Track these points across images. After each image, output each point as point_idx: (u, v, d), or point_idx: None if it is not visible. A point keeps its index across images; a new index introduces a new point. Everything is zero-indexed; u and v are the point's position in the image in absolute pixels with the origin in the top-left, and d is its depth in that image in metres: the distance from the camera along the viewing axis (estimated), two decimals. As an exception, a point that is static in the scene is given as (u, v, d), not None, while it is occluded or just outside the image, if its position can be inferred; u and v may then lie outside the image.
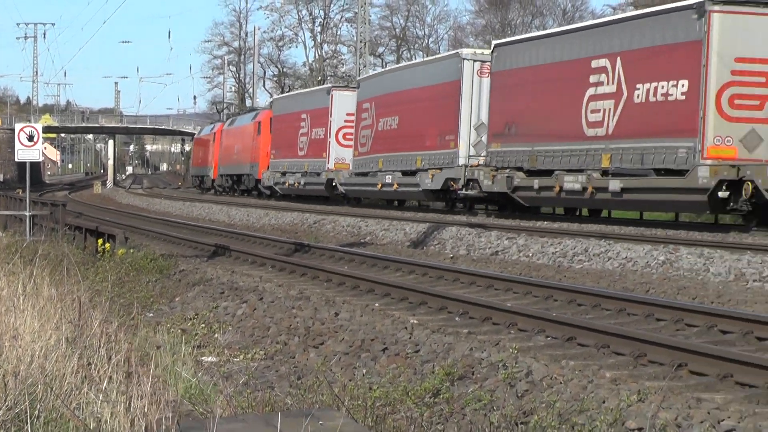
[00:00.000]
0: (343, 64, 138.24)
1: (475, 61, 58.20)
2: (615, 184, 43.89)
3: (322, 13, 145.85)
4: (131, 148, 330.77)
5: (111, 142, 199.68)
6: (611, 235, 35.52)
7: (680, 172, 40.69)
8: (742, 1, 40.67)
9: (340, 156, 75.80)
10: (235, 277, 26.74)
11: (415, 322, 18.79)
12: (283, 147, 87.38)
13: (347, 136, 75.37)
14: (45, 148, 75.60)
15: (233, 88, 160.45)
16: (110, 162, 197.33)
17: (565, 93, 49.09)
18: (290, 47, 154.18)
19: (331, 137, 76.98)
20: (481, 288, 24.40)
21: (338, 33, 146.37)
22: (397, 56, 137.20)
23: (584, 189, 45.86)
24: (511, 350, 15.32)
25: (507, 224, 42.93)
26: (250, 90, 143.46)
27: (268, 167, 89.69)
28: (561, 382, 13.07)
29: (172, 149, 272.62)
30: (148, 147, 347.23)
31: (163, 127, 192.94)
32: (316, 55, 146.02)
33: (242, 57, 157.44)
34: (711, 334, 17.35)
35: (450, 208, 61.36)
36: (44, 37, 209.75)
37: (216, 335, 19.24)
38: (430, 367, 14.68)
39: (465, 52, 60.95)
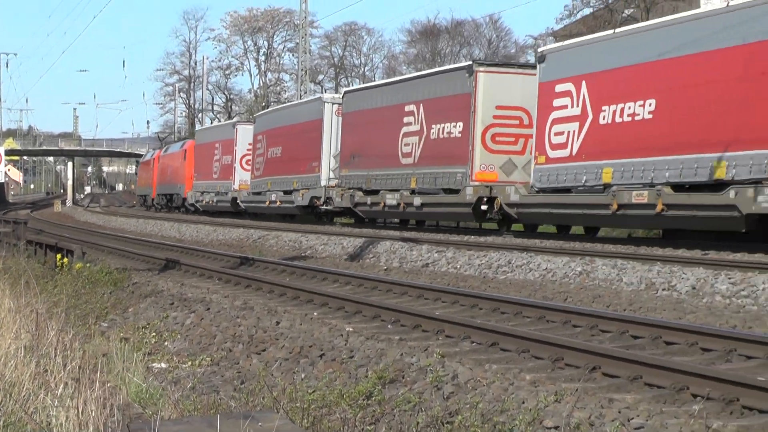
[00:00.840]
0: (285, 91, 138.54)
1: (333, 103, 68.06)
2: (417, 200, 54.45)
3: (266, 43, 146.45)
4: (89, 169, 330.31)
5: (70, 164, 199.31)
6: (533, 248, 35.62)
7: (457, 191, 50.45)
8: (500, 64, 56.60)
9: (243, 178, 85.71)
10: (184, 288, 26.67)
11: (351, 329, 18.79)
12: (202, 171, 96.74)
13: (248, 162, 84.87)
14: (8, 170, 77.44)
15: (184, 113, 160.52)
16: (69, 182, 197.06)
17: (387, 130, 58.57)
18: (236, 75, 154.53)
19: (236, 163, 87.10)
20: (412, 297, 24.43)
21: (281, 62, 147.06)
22: (336, 83, 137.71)
23: (398, 204, 56.04)
24: (438, 355, 15.39)
25: (437, 238, 43.02)
26: (200, 115, 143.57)
27: (192, 188, 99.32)
28: (484, 385, 13.09)
29: (127, 170, 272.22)
30: (105, 168, 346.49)
31: (118, 150, 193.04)
32: (261, 82, 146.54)
33: (192, 84, 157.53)
34: (623, 339, 17.42)
35: (318, 220, 70.69)
36: (7, 67, 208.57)
37: (166, 343, 19.18)
38: (363, 372, 14.67)
39: (326, 96, 72.46)
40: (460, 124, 50.39)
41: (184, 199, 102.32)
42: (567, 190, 44.30)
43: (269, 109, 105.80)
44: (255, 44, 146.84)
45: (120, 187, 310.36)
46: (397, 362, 14.97)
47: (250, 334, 18.85)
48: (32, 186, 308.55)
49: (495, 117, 49.20)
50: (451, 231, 49.50)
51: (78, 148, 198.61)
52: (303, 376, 15.07)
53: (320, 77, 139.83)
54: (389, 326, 19.70)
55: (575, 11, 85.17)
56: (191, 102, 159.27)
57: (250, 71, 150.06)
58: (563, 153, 44.15)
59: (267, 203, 76.78)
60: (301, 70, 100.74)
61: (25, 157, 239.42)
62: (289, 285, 26.73)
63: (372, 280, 28.05)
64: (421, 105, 55.04)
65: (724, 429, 10.87)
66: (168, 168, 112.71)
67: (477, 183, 48.49)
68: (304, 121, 71.12)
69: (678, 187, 37.75)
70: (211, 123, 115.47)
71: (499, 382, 13.33)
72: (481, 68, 49.90)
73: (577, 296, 25.28)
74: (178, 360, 17.34)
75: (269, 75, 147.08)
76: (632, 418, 11.10)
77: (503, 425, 10.97)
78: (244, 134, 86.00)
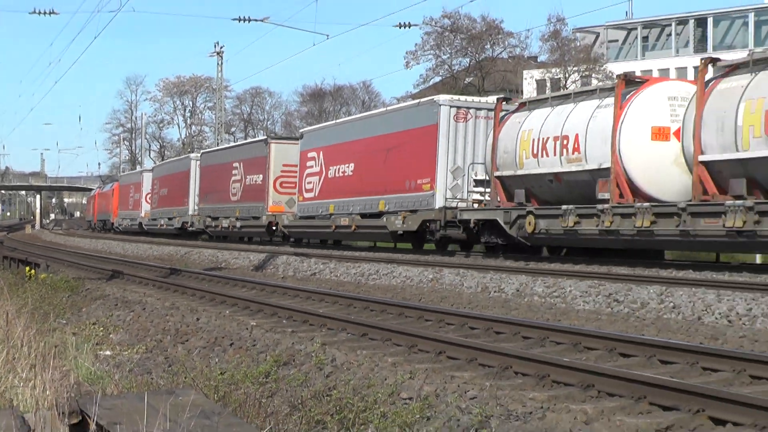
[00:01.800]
0: (206, 140, 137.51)
1: (196, 160, 77.25)
2: (238, 223, 63.55)
3: (190, 102, 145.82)
4: (53, 200, 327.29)
5: (38, 196, 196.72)
6: (396, 261, 35.60)
7: (259, 218, 59.86)
8: (284, 138, 67.09)
9: (146, 209, 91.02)
10: (126, 293, 26.43)
11: (254, 324, 18.73)
12: (123, 204, 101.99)
13: (149, 199, 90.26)
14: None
15: (127, 157, 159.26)
16: (37, 211, 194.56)
17: (223, 179, 67.02)
18: (168, 127, 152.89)
19: (142, 199, 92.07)
20: (302, 299, 24.38)
21: (202, 117, 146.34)
22: (245, 134, 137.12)
23: (229, 226, 65.15)
24: (320, 344, 15.38)
25: (323, 253, 42.92)
26: (140, 158, 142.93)
27: (117, 215, 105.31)
28: (356, 366, 13.08)
29: (83, 201, 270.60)
30: (66, 199, 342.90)
31: (75, 185, 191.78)
32: (187, 133, 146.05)
33: (133, 134, 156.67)
34: (464, 330, 17.47)
35: (188, 236, 75.01)
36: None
37: (111, 335, 19.03)
38: (263, 356, 14.62)
39: (192, 155, 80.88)
40: (261, 175, 59.85)
41: (113, 223, 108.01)
42: (313, 218, 53.45)
43: (161, 162, 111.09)
44: (182, 103, 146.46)
45: (78, 214, 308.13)
46: (289, 349, 14.93)
47: (176, 328, 18.76)
48: (8, 213, 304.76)
49: (282, 171, 58.80)
50: (334, 248, 49.19)
51: (44, 184, 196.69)
52: (216, 360, 15.00)
53: (233, 129, 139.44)
54: (284, 321, 19.64)
55: (428, 79, 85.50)
56: (133, 148, 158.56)
57: (178, 124, 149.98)
58: (311, 195, 53.82)
59: (159, 226, 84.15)
60: (218, 124, 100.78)
61: (2, 191, 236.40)
62: (207, 290, 26.65)
63: (272, 286, 28.03)
64: (242, 163, 64.32)
65: (538, 398, 10.94)
66: (103, 201, 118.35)
67: (269, 213, 58.69)
68: (180, 171, 79.39)
69: (363, 216, 47.09)
70: (153, 164, 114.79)
71: (367, 364, 13.32)
72: (273, 141, 61.16)
73: (428, 297, 25.35)
74: (120, 348, 17.20)
75: (193, 127, 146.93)
76: (468, 391, 11.13)
77: (369, 396, 10.97)
78: (147, 179, 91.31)
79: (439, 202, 39.67)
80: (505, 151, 36.35)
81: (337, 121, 64.73)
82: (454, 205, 39.44)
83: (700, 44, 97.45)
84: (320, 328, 18.19)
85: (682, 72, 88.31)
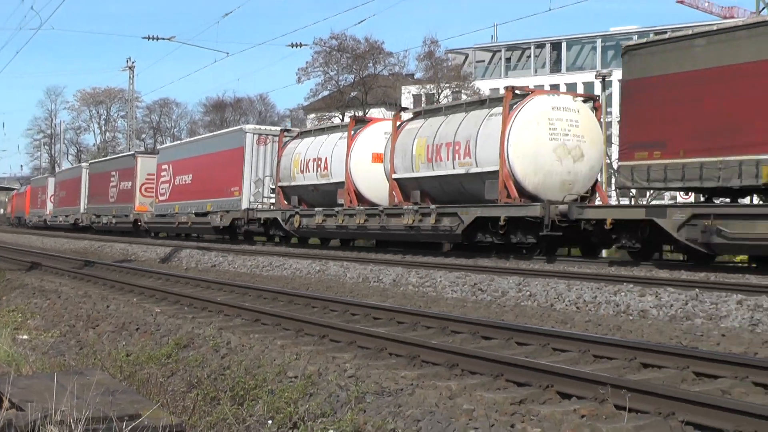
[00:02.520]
0: (119, 145, 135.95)
1: (86, 168, 79.57)
2: (113, 220, 68.40)
3: (105, 111, 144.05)
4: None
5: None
6: (288, 254, 35.57)
7: (128, 215, 65.02)
8: (147, 152, 72.36)
9: (50, 209, 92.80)
10: (43, 283, 25.99)
11: (159, 311, 18.57)
12: (35, 204, 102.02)
13: (52, 199, 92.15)
14: None
15: (47, 160, 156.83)
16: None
17: (104, 185, 70.77)
18: (84, 134, 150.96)
19: (48, 199, 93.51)
20: (202, 288, 24.21)
21: (116, 125, 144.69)
22: (154, 141, 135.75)
23: (106, 223, 69.90)
24: (217, 328, 15.30)
25: (222, 247, 42.65)
26: (59, 162, 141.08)
27: (29, 213, 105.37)
28: (248, 348, 13.00)
29: (6, 200, 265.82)
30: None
31: (1, 185, 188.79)
32: (102, 139, 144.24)
33: (53, 140, 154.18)
34: (345, 316, 17.47)
35: (78, 230, 76.99)
36: None
37: (28, 321, 18.68)
38: (166, 340, 14.48)
39: (83, 164, 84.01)
40: (131, 182, 64.72)
41: (26, 220, 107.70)
42: (164, 216, 58.71)
43: (62, 169, 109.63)
44: (98, 112, 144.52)
45: (1, 211, 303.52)
46: (189, 333, 14.81)
47: (88, 314, 18.51)
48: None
49: (146, 179, 63.31)
50: (233, 243, 48.86)
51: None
52: (123, 343, 14.82)
53: (143, 136, 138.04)
54: (186, 308, 19.50)
55: (317, 93, 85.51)
56: (53, 152, 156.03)
57: (94, 131, 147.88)
58: (164, 198, 59.17)
59: (58, 222, 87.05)
60: (130, 131, 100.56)
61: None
62: (117, 280, 26.37)
63: (175, 276, 27.82)
64: (117, 172, 68.45)
65: (409, 376, 10.97)
66: (19, 201, 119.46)
67: (136, 212, 63.69)
68: (75, 178, 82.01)
69: (197, 214, 52.69)
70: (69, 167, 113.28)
71: (258, 346, 13.26)
72: (139, 155, 66.72)
73: (315, 286, 25.33)
74: (36, 333, 16.91)
75: (107, 134, 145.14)
76: (347, 370, 11.13)
77: (260, 375, 10.93)
78: (51, 183, 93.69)
79: (244, 205, 47.50)
80: (284, 168, 44.78)
81: (182, 141, 77.18)
82: (255, 207, 47.19)
83: (555, 65, 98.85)
84: (218, 315, 18.11)
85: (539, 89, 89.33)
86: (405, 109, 42.69)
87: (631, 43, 29.57)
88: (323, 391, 10.07)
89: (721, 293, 18.57)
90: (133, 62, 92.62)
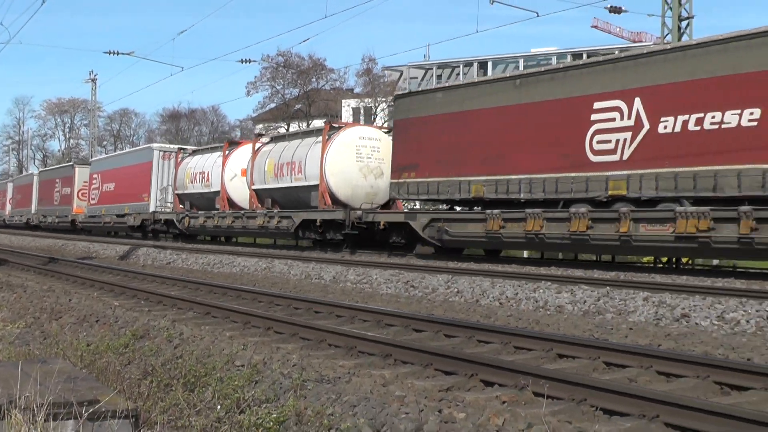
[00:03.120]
0: (82, 151, 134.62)
1: (36, 174, 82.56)
2: (56, 220, 70.36)
3: (69, 120, 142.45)
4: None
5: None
6: (238, 253, 35.49)
7: (66, 216, 66.88)
8: (84, 163, 67.89)
9: (8, 209, 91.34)
10: (10, 278, 25.68)
11: (117, 304, 18.42)
12: None
13: (11, 202, 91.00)
14: None
15: (15, 164, 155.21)
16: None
17: (50, 189, 72.51)
18: (50, 140, 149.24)
19: (7, 202, 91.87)
20: (158, 283, 24.05)
21: (79, 132, 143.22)
22: (114, 147, 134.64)
23: (51, 222, 71.58)
24: (171, 320, 15.22)
25: (176, 246, 42.47)
26: (26, 166, 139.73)
27: None
28: (200, 339, 12.93)
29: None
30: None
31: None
32: (66, 145, 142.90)
33: (20, 146, 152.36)
34: (289, 309, 17.49)
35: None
36: None
37: (-4, 313, 18.51)
38: (123, 331, 14.35)
39: (76, 161, 79.42)
40: (70, 188, 67.64)
41: None
42: (95, 217, 61.62)
43: (19, 175, 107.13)
44: (62, 121, 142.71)
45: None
46: (145, 325, 14.71)
47: (52, 307, 18.30)
48: None
49: (82, 185, 66.31)
50: (185, 242, 48.55)
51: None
52: (84, 334, 14.64)
53: (105, 143, 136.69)
54: (142, 302, 19.37)
55: (265, 105, 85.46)
56: (20, 157, 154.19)
57: (59, 138, 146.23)
58: (95, 202, 62.15)
59: (15, 221, 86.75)
60: (92, 138, 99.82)
61: None
62: (79, 275, 26.16)
63: (133, 272, 27.60)
64: (60, 180, 70.98)
65: (346, 365, 10.98)
66: None
67: (74, 213, 66.51)
68: (27, 183, 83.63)
69: (117, 216, 56.43)
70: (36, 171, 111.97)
71: (209, 337, 13.20)
72: (77, 165, 69.13)
73: (262, 283, 25.31)
74: (3, 324, 16.65)
75: (71, 141, 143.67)
76: (290, 360, 11.10)
77: (209, 364, 10.87)
78: (10, 187, 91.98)
79: (151, 208, 52.62)
80: (180, 179, 50.86)
81: (108, 155, 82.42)
82: (160, 210, 52.09)
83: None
84: (171, 308, 18.00)
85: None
86: (260, 135, 49.26)
87: (398, 93, 38.18)
88: (268, 379, 10.03)
89: (629, 291, 18.78)
90: (95, 75, 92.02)
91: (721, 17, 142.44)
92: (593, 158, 25.38)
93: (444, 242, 30.73)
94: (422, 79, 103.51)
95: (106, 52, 71.06)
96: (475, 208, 30.43)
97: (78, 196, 67.32)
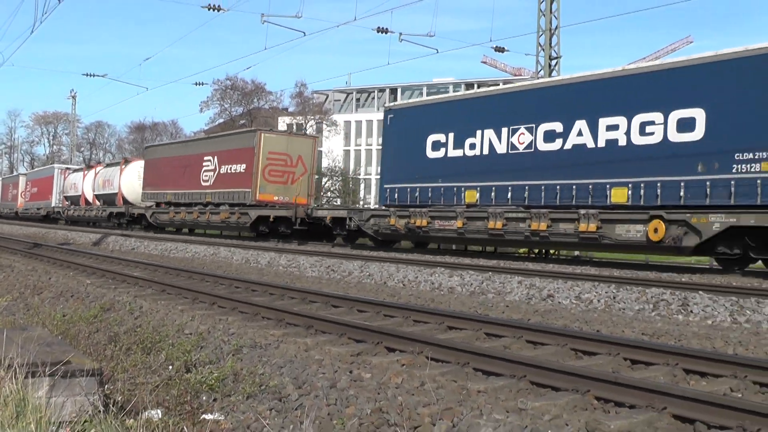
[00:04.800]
0: (63, 155, 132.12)
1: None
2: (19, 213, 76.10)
3: (53, 129, 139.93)
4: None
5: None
6: (189, 241, 35.06)
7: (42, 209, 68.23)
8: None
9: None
10: (0, 260, 25.26)
11: (89, 282, 18.13)
12: None
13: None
14: None
15: (8, 166, 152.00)
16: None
17: (12, 188, 76.98)
18: (37, 146, 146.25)
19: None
20: (123, 265, 23.60)
21: (61, 140, 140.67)
22: (90, 154, 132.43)
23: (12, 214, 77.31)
24: (133, 296, 15.04)
25: (140, 234, 41.79)
26: (16, 167, 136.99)
27: None
28: (156, 312, 12.82)
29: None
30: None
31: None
32: (50, 151, 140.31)
33: (11, 150, 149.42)
34: (231, 288, 17.28)
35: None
36: None
37: (-14, 289, 18.15)
38: (93, 305, 14.17)
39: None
40: (16, 191, 74.74)
41: None
42: (29, 210, 69.45)
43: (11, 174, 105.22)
44: (47, 130, 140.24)
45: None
46: (111, 300, 14.54)
47: (35, 284, 18.01)
48: None
49: (23, 188, 73.50)
50: (148, 231, 47.79)
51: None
52: (61, 307, 14.44)
53: (82, 149, 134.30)
54: (110, 281, 18.98)
55: (215, 120, 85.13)
56: (12, 160, 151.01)
57: (44, 144, 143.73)
58: (28, 199, 71.83)
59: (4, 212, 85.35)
60: (72, 145, 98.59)
61: None
62: (58, 258, 25.56)
63: (103, 256, 27.13)
64: (11, 184, 77.55)
65: (276, 334, 10.95)
66: None
67: (18, 207, 72.20)
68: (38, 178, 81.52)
69: (38, 210, 64.83)
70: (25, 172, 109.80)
71: (164, 310, 13.09)
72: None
73: (209, 266, 25.00)
74: (-8, 298, 16.41)
75: (54, 147, 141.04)
76: (230, 329, 11.06)
77: (164, 332, 10.79)
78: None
79: (53, 204, 64.14)
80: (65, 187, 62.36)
81: (34, 170, 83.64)
82: (59, 206, 62.50)
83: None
84: (134, 286, 17.72)
85: (381, 122, 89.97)
86: (90, 165, 59.89)
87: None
88: (211, 345, 9.99)
89: (507, 275, 18.98)
90: (75, 92, 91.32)
91: (582, 57, 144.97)
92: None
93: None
94: (344, 102, 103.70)
95: (84, 74, 75.83)
96: None
97: (21, 195, 76.12)
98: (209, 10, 35.03)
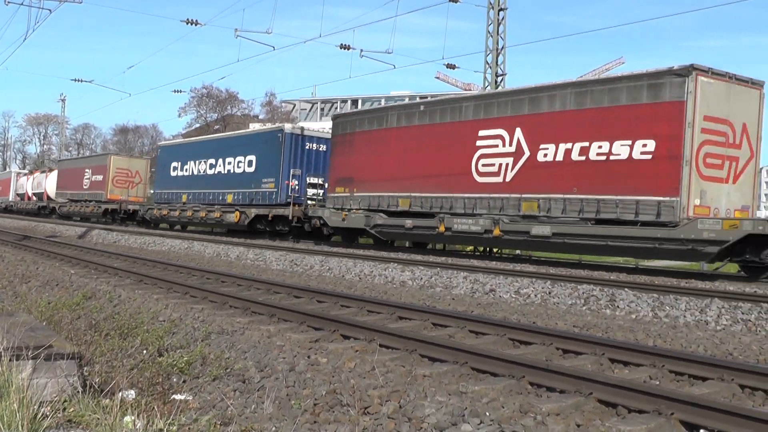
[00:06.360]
0: (53, 153, 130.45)
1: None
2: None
3: (44, 130, 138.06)
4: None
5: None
6: (165, 235, 34.78)
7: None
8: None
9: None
10: (-11, 250, 24.82)
11: (73, 272, 17.94)
12: None
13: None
14: None
15: (1, 163, 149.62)
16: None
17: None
18: (29, 145, 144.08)
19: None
20: (105, 257, 23.32)
21: (51, 140, 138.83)
22: (78, 153, 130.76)
23: None
24: (113, 285, 14.88)
25: (122, 228, 41.38)
26: (9, 165, 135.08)
27: None
28: (133, 300, 12.72)
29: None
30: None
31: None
32: (41, 150, 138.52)
33: (5, 149, 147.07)
34: (202, 279, 17.16)
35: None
36: None
37: (-24, 277, 17.83)
38: (76, 293, 13.99)
39: (13, 170, 78.84)
40: (1, 187, 77.06)
41: None
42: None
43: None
44: (39, 130, 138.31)
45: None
46: (93, 288, 14.40)
47: (23, 273, 17.71)
48: None
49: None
50: (128, 224, 47.30)
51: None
52: (46, 295, 14.21)
53: (70, 148, 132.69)
54: (92, 271, 18.80)
55: (192, 125, 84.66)
56: (5, 158, 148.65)
57: (35, 144, 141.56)
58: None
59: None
60: (61, 145, 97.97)
61: None
62: (45, 249, 25.16)
63: (87, 248, 26.81)
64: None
65: (242, 322, 10.90)
66: None
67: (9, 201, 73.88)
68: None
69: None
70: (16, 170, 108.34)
71: (140, 299, 12.99)
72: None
73: (184, 259, 24.79)
74: (-19, 286, 16.13)
75: (45, 146, 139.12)
76: (200, 317, 11.01)
77: (140, 319, 10.68)
78: None
79: (10, 199, 68.43)
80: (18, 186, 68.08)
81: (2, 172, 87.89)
82: (15, 201, 65.08)
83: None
84: (114, 276, 17.54)
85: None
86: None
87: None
88: (182, 331, 9.93)
89: (454, 271, 19.07)
90: (64, 96, 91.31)
91: (526, 74, 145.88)
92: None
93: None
94: (309, 111, 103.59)
95: (73, 80, 72.20)
96: None
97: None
98: (187, 24, 34.95)
